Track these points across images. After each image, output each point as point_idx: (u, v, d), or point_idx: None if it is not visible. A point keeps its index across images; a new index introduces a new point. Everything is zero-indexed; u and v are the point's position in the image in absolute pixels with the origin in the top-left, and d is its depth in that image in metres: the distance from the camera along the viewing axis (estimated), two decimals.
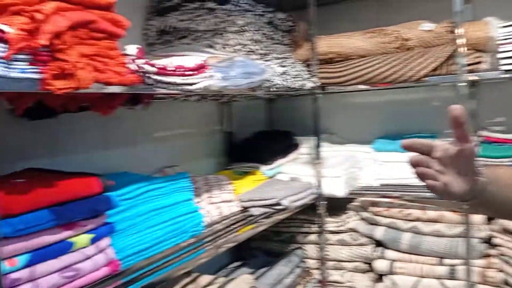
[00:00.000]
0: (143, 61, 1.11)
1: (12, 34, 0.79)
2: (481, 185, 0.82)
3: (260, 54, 1.73)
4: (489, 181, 0.82)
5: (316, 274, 2.11)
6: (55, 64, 0.87)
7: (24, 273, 0.91)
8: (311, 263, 2.12)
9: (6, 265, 0.88)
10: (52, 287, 0.96)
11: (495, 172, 0.86)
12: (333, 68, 2.05)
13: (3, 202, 0.88)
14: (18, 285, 0.90)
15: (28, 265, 0.92)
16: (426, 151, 0.82)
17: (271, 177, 2.05)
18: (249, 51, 1.68)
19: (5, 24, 0.80)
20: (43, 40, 0.83)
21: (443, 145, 0.81)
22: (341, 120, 2.39)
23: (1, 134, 1.20)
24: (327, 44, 2.05)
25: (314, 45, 2.03)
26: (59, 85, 0.86)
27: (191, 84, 1.18)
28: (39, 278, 0.94)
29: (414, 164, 0.83)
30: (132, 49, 1.11)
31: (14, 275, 0.89)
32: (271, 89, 1.66)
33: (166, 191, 1.37)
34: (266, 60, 1.73)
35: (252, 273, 1.85)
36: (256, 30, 1.74)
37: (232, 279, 1.64)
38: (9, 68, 0.80)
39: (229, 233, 1.49)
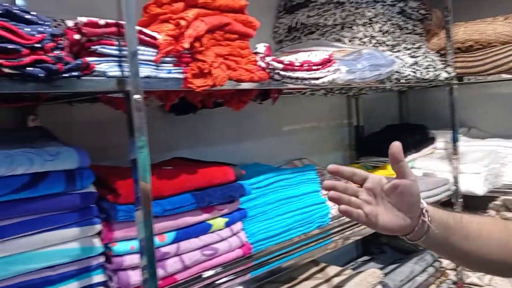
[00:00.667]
0: (270, 58, 1.18)
1: (161, 40, 0.92)
2: (424, 225, 0.79)
3: (390, 45, 1.69)
4: (434, 223, 0.80)
5: (452, 275, 1.99)
6: (195, 64, 0.98)
7: (171, 248, 1.04)
8: (446, 263, 2.00)
9: (158, 240, 1.02)
10: (194, 263, 1.08)
11: (441, 214, 0.82)
12: (472, 56, 1.90)
13: (155, 186, 1.02)
14: (167, 258, 1.04)
15: (174, 241, 1.05)
16: (359, 181, 0.82)
17: None
18: (377, 43, 1.65)
19: (155, 32, 0.93)
20: (186, 43, 0.94)
21: (377, 177, 0.82)
22: (480, 113, 2.21)
23: (153, 127, 1.38)
24: (464, 31, 1.91)
25: (450, 33, 1.90)
26: (198, 83, 0.97)
27: (317, 79, 1.21)
28: (183, 253, 1.07)
29: (329, 188, 0.81)
30: (261, 47, 1.19)
31: (163, 249, 1.03)
32: (401, 81, 1.62)
33: (294, 182, 1.43)
34: (396, 51, 1.69)
35: (381, 268, 1.83)
36: (385, 21, 1.71)
37: (360, 272, 1.64)
38: (158, 69, 0.93)
39: (355, 226, 1.50)
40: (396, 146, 0.80)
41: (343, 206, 0.80)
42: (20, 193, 0.84)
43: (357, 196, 0.81)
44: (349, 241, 1.47)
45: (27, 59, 0.70)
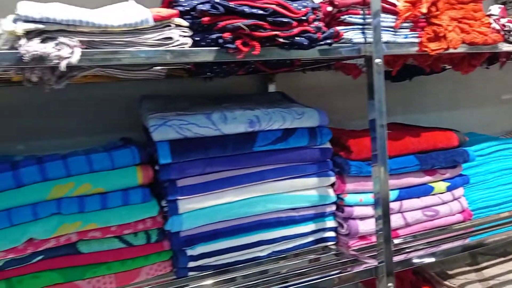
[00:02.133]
0: (506, 20, 1.12)
1: (400, 6, 0.97)
2: None
3: None
4: None
5: None
6: (430, 28, 1.00)
7: (395, 205, 1.11)
8: None
9: None
10: (415, 221, 1.14)
11: None
12: None
13: None
14: (390, 213, 1.11)
15: (397, 199, 1.12)
16: None
17: None
18: None
19: None
20: (423, 8, 0.97)
21: None
22: None
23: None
24: None
25: None
26: (433, 47, 1.00)
27: None
28: (405, 211, 1.13)
29: None
30: (495, 9, 1.14)
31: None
32: None
33: None
34: None
35: None
36: None
37: None
38: (396, 35, 0.98)
39: None
40: None
41: None
42: (275, 144, 1.01)
43: None
44: None
45: (296, 30, 0.84)
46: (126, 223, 0.95)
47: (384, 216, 0.96)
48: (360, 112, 1.37)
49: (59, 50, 0.70)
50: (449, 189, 1.18)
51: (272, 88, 1.32)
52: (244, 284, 0.94)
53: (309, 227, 1.08)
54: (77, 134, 1.14)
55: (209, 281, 0.97)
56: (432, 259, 1.10)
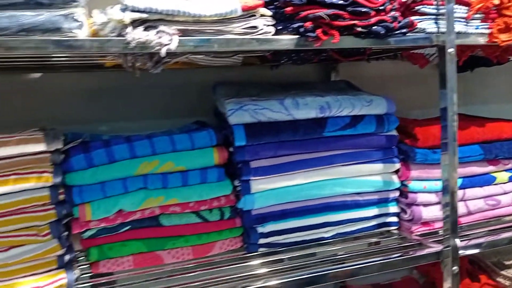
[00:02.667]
0: None
1: None
2: None
3: None
4: None
5: None
6: (501, 20, 1.01)
7: (458, 193, 1.13)
8: None
9: None
10: (477, 210, 1.16)
11: None
12: None
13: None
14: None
15: (460, 187, 1.14)
16: None
17: None
18: None
19: None
20: (495, 0, 0.99)
21: None
22: None
23: (431, 84, 1.47)
24: None
25: None
26: (503, 38, 1.01)
27: None
28: (468, 199, 1.15)
29: None
30: None
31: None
32: None
33: None
34: None
35: None
36: None
37: None
38: (468, 25, 1.00)
39: None
40: None
41: None
42: (344, 130, 1.06)
43: None
44: None
45: (373, 20, 0.87)
46: (203, 199, 1.02)
47: (452, 203, 0.99)
48: (420, 102, 1.40)
49: (160, 37, 0.76)
50: (511, 179, 1.19)
51: (334, 77, 1.36)
52: (313, 261, 1.00)
53: (373, 211, 1.12)
54: (154, 117, 1.22)
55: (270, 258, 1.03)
56: (492, 248, 1.12)
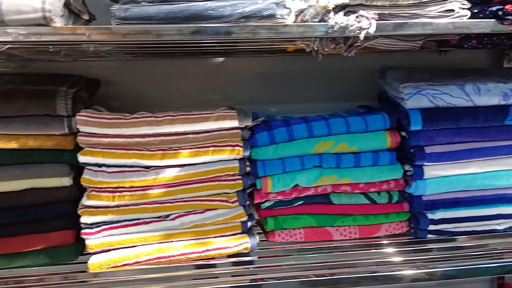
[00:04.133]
0: None
1: None
2: None
3: None
4: None
5: None
6: None
7: None
8: None
9: None
10: None
11: None
12: None
13: None
14: None
15: None
16: None
17: None
18: None
19: None
20: None
21: None
22: None
23: None
24: None
25: None
26: None
27: None
28: None
29: None
30: None
31: None
32: None
33: None
34: None
35: None
36: None
37: None
38: None
39: None
40: None
41: None
42: None
43: None
44: None
45: None
46: (372, 181, 1.04)
47: None
48: None
49: (359, 22, 0.80)
50: None
51: (506, 64, 1.28)
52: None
53: None
54: (320, 100, 1.27)
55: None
56: None
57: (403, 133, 1.04)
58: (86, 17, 0.87)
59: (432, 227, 1.04)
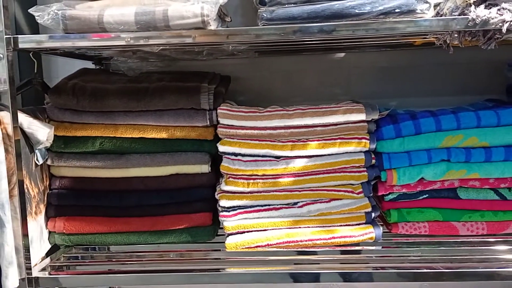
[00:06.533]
0: None
1: None
2: None
3: None
4: None
5: None
6: None
7: None
8: None
9: None
10: None
11: None
12: None
13: None
14: None
15: None
16: None
17: None
18: None
19: None
20: None
21: None
22: None
23: None
24: None
25: None
26: None
27: None
28: None
29: None
30: None
31: None
32: None
33: None
34: None
35: None
36: None
37: None
38: None
39: None
40: None
41: None
42: None
43: None
44: None
45: None
46: (504, 177, 1.01)
47: None
48: None
49: (501, 15, 0.79)
50: None
51: None
52: None
53: None
54: (442, 94, 1.26)
55: None
56: None
57: None
58: (228, 19, 0.95)
59: None
